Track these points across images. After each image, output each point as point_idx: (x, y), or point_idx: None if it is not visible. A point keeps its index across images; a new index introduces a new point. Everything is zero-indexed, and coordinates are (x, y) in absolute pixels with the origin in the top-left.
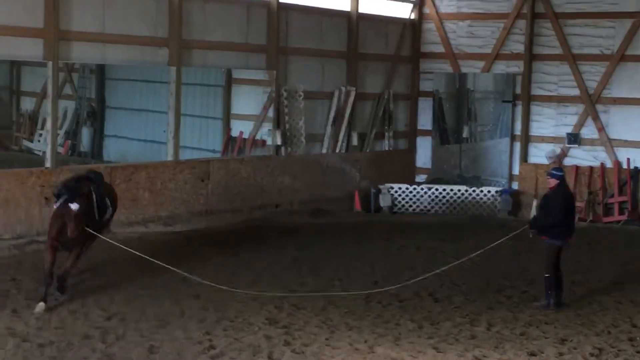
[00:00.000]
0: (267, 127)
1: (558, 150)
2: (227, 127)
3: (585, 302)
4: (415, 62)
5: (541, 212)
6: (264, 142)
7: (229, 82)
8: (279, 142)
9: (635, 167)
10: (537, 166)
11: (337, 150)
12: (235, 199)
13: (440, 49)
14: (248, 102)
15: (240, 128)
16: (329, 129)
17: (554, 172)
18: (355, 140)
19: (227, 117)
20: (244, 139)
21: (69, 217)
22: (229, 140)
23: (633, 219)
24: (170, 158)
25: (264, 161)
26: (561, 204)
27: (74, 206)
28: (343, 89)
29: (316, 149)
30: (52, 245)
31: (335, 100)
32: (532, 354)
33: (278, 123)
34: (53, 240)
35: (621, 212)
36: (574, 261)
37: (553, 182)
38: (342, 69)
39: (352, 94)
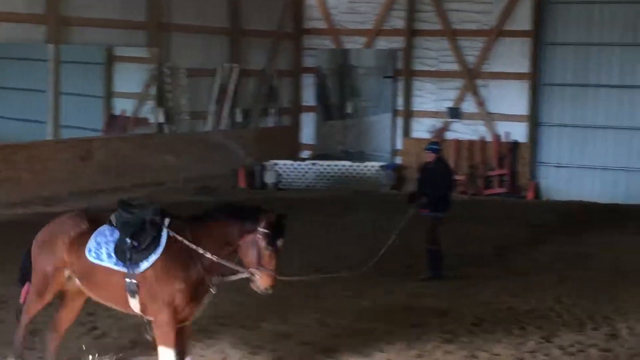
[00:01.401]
0: (149, 105)
1: (439, 125)
2: (108, 106)
3: (466, 274)
4: (298, 38)
5: (420, 185)
6: (146, 120)
7: (110, 59)
8: (162, 120)
9: (514, 141)
10: (419, 141)
11: (221, 128)
12: (118, 178)
13: (322, 25)
14: (130, 80)
15: (123, 106)
16: (212, 106)
17: (432, 146)
18: (239, 117)
19: (108, 95)
20: (127, 117)
21: None
22: (111, 119)
23: (512, 192)
24: (50, 137)
25: (147, 139)
26: (443, 177)
27: None
28: (226, 65)
29: (200, 126)
30: None
31: (218, 77)
32: (415, 325)
33: (161, 101)
34: None
35: (501, 185)
36: (456, 234)
37: (431, 156)
38: (225, 45)
39: (236, 70)
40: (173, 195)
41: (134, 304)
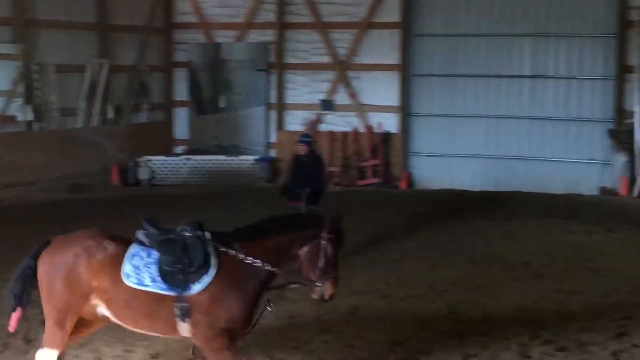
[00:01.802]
0: (17, 102)
1: (312, 117)
2: None
3: (341, 264)
4: (169, 32)
5: (292, 178)
6: (14, 117)
7: None
8: (30, 117)
9: (386, 131)
10: (293, 133)
11: (93, 124)
12: None
13: (193, 19)
14: None
15: None
16: (83, 102)
17: (304, 138)
18: (110, 113)
19: None
20: None
21: None
22: None
23: (385, 182)
24: None
25: (15, 137)
26: (316, 170)
27: None
28: (96, 61)
29: (70, 123)
30: None
31: (88, 73)
32: (291, 317)
33: (29, 98)
34: None
35: (374, 175)
36: None
37: (304, 148)
38: (94, 41)
39: (106, 66)
40: (44, 194)
41: (184, 329)
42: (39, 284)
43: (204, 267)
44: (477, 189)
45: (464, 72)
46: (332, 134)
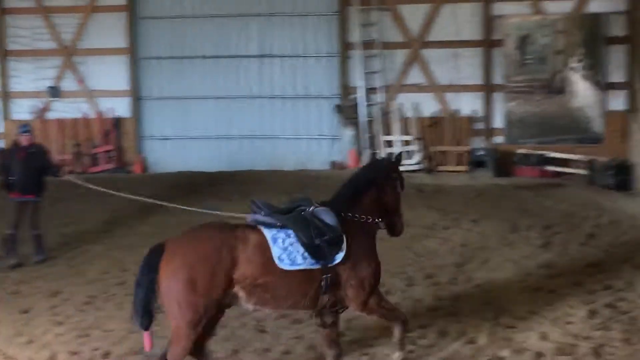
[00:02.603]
0: None
1: (40, 105)
2: None
3: (76, 253)
4: None
5: (12, 170)
6: None
7: None
8: None
9: (117, 116)
10: (20, 123)
11: None
12: None
13: None
14: None
15: None
16: None
17: (26, 128)
18: None
19: None
20: None
21: None
22: None
23: (119, 167)
24: None
25: None
26: (39, 159)
27: None
28: None
29: None
30: None
31: None
32: (24, 311)
33: None
34: None
35: (108, 161)
36: (63, 214)
37: (27, 139)
38: None
39: None
40: None
41: (323, 300)
42: (168, 291)
43: (340, 236)
44: (212, 170)
45: (193, 53)
46: (61, 121)
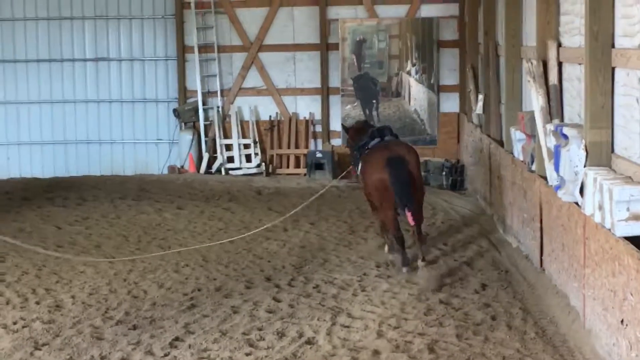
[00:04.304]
0: None
1: None
2: None
3: None
4: None
5: None
6: None
7: None
8: None
9: None
10: None
11: None
12: None
13: None
14: None
15: None
16: None
17: None
18: None
19: None
20: None
21: None
22: None
23: None
24: None
25: None
26: None
27: None
28: None
29: None
30: None
31: None
32: None
33: None
34: None
35: None
36: None
37: None
38: None
39: None
40: None
41: None
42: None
43: None
44: (48, 176)
45: (25, 57)
46: None
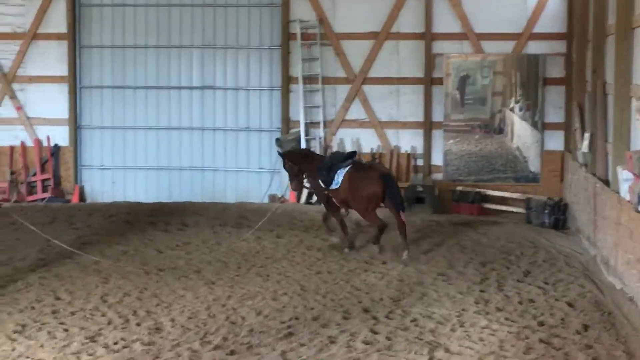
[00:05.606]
0: None
1: None
2: None
3: (8, 281)
4: None
5: None
6: None
7: None
8: None
9: (55, 144)
10: None
11: None
12: None
13: None
14: None
15: None
16: None
17: None
18: None
19: None
20: None
21: None
22: None
23: (57, 196)
24: None
25: None
26: None
27: None
28: None
29: None
30: None
31: None
32: None
33: None
34: None
35: (44, 190)
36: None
37: None
38: None
39: None
40: None
41: None
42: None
43: None
44: (151, 200)
45: (134, 83)
46: None
